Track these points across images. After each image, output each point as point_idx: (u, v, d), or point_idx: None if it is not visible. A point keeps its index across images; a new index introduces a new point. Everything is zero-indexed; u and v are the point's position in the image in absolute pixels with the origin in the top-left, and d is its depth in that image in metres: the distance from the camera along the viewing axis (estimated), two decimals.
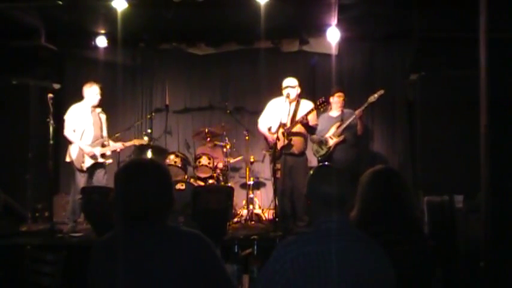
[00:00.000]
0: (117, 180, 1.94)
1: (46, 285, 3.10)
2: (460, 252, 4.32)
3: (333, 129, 5.72)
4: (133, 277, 1.81)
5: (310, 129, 5.42)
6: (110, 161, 5.76)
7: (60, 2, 5.63)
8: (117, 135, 6.26)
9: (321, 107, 5.24)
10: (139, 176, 1.91)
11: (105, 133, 5.79)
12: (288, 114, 5.32)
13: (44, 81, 6.02)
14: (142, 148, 6.48)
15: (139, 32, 6.84)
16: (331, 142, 5.68)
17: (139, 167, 1.98)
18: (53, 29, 6.65)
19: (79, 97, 5.70)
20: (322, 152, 5.70)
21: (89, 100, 5.61)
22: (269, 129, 5.45)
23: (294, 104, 5.40)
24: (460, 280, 4.10)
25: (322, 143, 5.71)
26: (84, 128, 5.54)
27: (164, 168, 2.01)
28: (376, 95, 5.65)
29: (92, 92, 5.60)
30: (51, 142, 5.38)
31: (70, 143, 5.53)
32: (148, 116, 7.19)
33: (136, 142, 6.09)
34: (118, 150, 5.88)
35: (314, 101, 5.29)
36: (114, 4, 5.68)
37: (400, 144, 7.05)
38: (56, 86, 5.58)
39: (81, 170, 5.50)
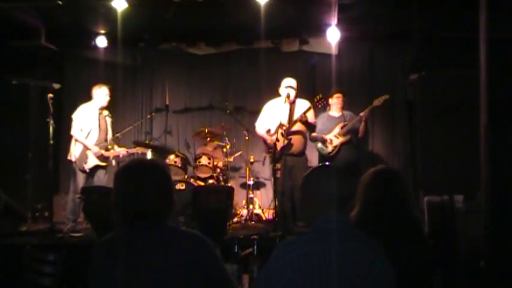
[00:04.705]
0: (117, 180, 1.93)
1: (46, 285, 3.10)
2: (460, 252, 4.31)
3: (337, 129, 5.71)
4: (133, 277, 1.81)
5: (310, 127, 5.42)
6: (113, 163, 5.76)
7: (60, 2, 5.63)
8: (117, 135, 6.26)
9: (319, 104, 5.24)
10: (139, 177, 1.90)
11: (109, 136, 5.79)
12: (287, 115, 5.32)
13: (44, 81, 6.02)
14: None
15: (139, 32, 6.85)
16: (337, 141, 5.68)
17: (139, 167, 1.96)
18: (53, 29, 6.65)
19: (79, 97, 5.72)
20: (328, 150, 5.69)
21: (97, 101, 5.63)
22: (268, 131, 5.44)
23: (289, 103, 5.40)
24: (460, 280, 4.10)
25: (325, 141, 5.70)
26: (91, 129, 5.54)
27: (165, 168, 2.00)
28: (381, 99, 5.64)
29: (101, 94, 5.62)
30: (51, 142, 5.39)
31: (76, 141, 5.52)
32: (149, 116, 7.20)
33: (139, 150, 6.10)
34: (121, 156, 5.87)
35: (312, 100, 5.29)
36: (114, 4, 5.68)
37: (400, 144, 7.05)
38: (56, 86, 5.57)
39: (83, 171, 5.50)
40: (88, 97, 5.74)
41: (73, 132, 5.53)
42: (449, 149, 5.36)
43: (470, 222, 4.30)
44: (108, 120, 5.80)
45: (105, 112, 5.76)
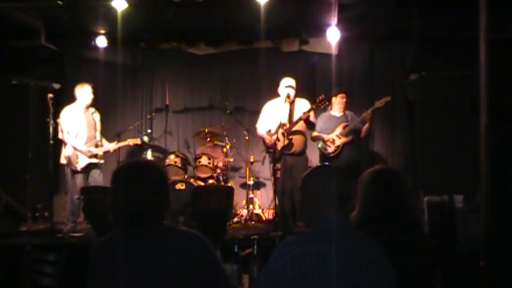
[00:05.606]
0: (114, 182, 1.93)
1: (46, 285, 3.10)
2: (460, 252, 4.32)
3: (339, 129, 5.71)
4: (132, 277, 1.80)
5: (311, 125, 5.41)
6: (102, 161, 5.73)
7: (60, 2, 5.62)
8: (117, 135, 6.25)
9: (321, 104, 5.24)
10: (135, 178, 1.89)
11: (99, 133, 5.76)
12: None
13: (44, 81, 6.02)
14: (142, 148, 6.47)
15: (139, 32, 6.85)
16: (339, 141, 5.67)
17: (136, 168, 1.95)
18: (53, 29, 6.64)
19: None
20: (330, 150, 5.69)
21: (81, 100, 5.57)
22: (268, 131, 5.44)
23: (289, 103, 5.40)
24: (460, 280, 4.10)
25: (327, 141, 5.70)
26: (78, 129, 5.50)
27: (161, 169, 1.99)
28: (383, 101, 5.63)
29: (84, 92, 5.56)
30: (51, 142, 5.38)
31: (65, 144, 5.51)
32: (148, 116, 7.20)
33: (130, 142, 6.06)
34: (111, 150, 5.85)
35: (311, 100, 5.29)
36: (114, 4, 5.68)
37: (400, 144, 7.05)
38: (56, 86, 5.57)
39: (76, 171, 5.49)
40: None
41: (60, 136, 5.48)
42: (449, 148, 5.37)
43: (470, 222, 4.30)
44: (96, 117, 5.74)
45: (91, 109, 5.71)
